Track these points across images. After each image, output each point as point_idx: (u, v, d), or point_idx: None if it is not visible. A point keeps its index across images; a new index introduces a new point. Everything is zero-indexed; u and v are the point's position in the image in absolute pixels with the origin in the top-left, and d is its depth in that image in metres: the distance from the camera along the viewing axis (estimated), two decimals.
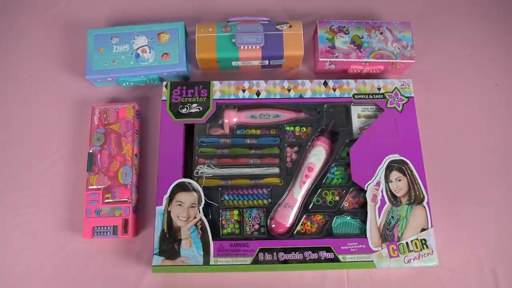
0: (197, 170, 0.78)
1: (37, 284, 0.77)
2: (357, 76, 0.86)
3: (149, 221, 0.79)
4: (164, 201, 0.74)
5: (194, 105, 0.79)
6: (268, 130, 0.81)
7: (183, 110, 0.79)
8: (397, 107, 0.80)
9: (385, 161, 0.76)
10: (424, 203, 0.75)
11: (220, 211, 0.77)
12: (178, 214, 0.73)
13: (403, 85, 0.81)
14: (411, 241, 0.73)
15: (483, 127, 0.86)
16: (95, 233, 0.75)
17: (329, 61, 0.83)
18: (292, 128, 0.81)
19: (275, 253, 0.72)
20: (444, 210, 0.80)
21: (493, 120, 0.87)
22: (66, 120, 0.85)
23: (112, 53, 0.83)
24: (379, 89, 0.81)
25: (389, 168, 0.76)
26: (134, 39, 0.84)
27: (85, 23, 0.90)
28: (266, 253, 0.72)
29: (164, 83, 0.81)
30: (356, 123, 0.81)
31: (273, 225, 0.76)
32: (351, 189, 0.78)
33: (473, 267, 0.78)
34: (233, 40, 0.81)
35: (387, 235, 0.73)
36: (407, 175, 0.76)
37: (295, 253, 0.72)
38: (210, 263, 0.71)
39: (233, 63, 0.85)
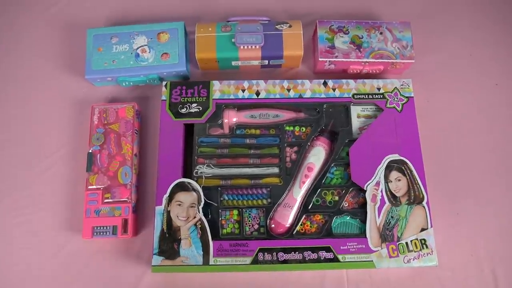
0: (196, 170, 0.78)
1: (37, 284, 0.77)
2: (357, 76, 0.86)
3: (149, 221, 0.79)
4: (164, 201, 0.74)
5: (194, 105, 0.79)
6: (267, 130, 0.81)
7: (183, 110, 0.79)
8: (396, 107, 0.80)
9: (385, 161, 0.76)
10: (424, 203, 0.75)
11: (220, 211, 0.77)
12: (178, 214, 0.73)
13: (402, 85, 0.81)
14: (411, 241, 0.73)
15: (483, 127, 0.86)
16: (95, 233, 0.75)
17: (329, 61, 0.83)
18: (291, 128, 0.81)
19: (275, 253, 0.72)
20: (444, 210, 0.80)
21: (493, 120, 0.87)
22: (65, 120, 0.85)
23: (111, 52, 0.83)
24: (378, 89, 0.81)
25: (389, 168, 0.76)
26: (134, 39, 0.84)
27: (84, 22, 0.90)
28: (266, 253, 0.72)
29: (164, 83, 0.81)
30: (355, 123, 0.81)
31: (273, 225, 0.76)
32: (350, 189, 0.78)
33: (473, 267, 0.78)
34: (232, 40, 0.81)
35: (387, 235, 0.73)
36: (407, 175, 0.76)
37: (294, 253, 0.72)
38: (210, 263, 0.71)
39: (233, 63, 0.85)
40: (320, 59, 0.82)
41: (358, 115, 0.82)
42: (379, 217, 0.74)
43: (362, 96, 0.81)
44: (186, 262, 0.72)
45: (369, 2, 0.94)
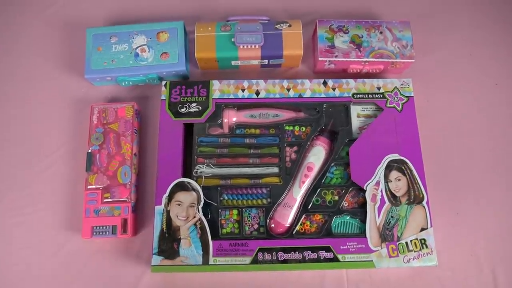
0: (196, 170, 0.78)
1: (36, 283, 0.77)
2: (357, 75, 0.86)
3: (148, 221, 0.79)
4: (163, 201, 0.74)
5: (194, 104, 0.79)
6: (267, 130, 0.81)
7: (182, 110, 0.79)
8: (396, 107, 0.80)
9: (385, 160, 0.76)
10: (424, 202, 0.75)
11: (219, 210, 0.76)
12: (177, 214, 0.73)
13: (402, 84, 0.81)
14: (411, 240, 0.73)
15: (483, 126, 0.86)
16: (94, 233, 0.75)
17: (329, 61, 0.83)
18: (291, 128, 0.81)
19: (275, 252, 0.72)
20: (444, 209, 0.80)
21: (493, 119, 0.87)
22: (65, 119, 0.85)
23: (111, 52, 0.83)
24: (378, 88, 0.81)
25: (389, 168, 0.76)
26: (133, 38, 0.84)
27: (84, 22, 0.90)
28: (266, 252, 0.72)
29: (163, 82, 0.81)
30: (355, 122, 0.81)
31: (273, 225, 0.76)
32: (350, 189, 0.78)
33: (473, 267, 0.78)
34: (232, 40, 0.81)
35: (387, 234, 0.73)
36: (407, 174, 0.76)
37: (294, 252, 0.72)
38: (209, 263, 0.71)
39: (233, 63, 0.85)
40: (320, 58, 0.82)
41: (358, 114, 0.81)
42: (379, 217, 0.74)
43: (362, 96, 0.80)
44: (186, 261, 0.71)
45: (369, 2, 0.94)
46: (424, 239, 0.73)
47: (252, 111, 0.80)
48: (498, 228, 0.80)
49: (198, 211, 0.74)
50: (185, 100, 0.79)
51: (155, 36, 0.84)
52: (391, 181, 0.76)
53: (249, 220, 0.77)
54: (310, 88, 0.81)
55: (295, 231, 0.76)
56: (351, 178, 0.76)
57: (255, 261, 0.72)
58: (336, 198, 0.78)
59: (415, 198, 0.75)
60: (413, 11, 0.93)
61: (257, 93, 0.81)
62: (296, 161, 0.78)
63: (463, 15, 0.93)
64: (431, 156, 0.81)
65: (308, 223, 0.77)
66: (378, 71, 0.85)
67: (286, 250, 0.72)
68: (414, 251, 0.72)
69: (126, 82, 0.85)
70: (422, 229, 0.73)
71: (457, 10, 0.94)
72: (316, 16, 0.89)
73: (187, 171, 0.78)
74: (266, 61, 0.85)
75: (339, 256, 0.72)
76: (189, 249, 0.72)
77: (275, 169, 0.78)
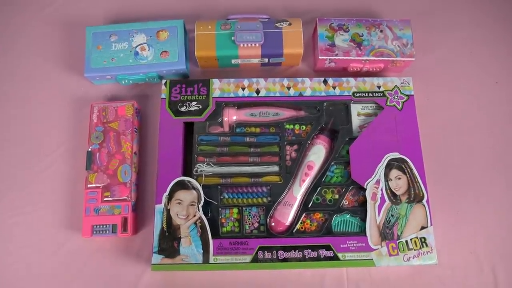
0: (196, 168, 0.78)
1: (36, 282, 0.77)
2: (357, 74, 0.86)
3: (149, 220, 0.79)
4: (164, 199, 0.74)
5: (194, 103, 0.79)
6: (267, 128, 0.81)
7: (183, 108, 0.79)
8: (397, 105, 0.80)
9: (385, 159, 0.76)
10: (424, 201, 0.75)
11: (220, 209, 0.76)
12: (178, 212, 0.73)
13: (403, 83, 0.81)
14: (411, 239, 0.73)
15: (483, 125, 0.86)
16: (94, 232, 0.75)
17: (329, 59, 0.83)
18: (291, 126, 0.81)
19: (275, 251, 0.72)
20: (444, 208, 0.80)
21: (493, 118, 0.87)
22: (65, 118, 0.85)
23: (111, 51, 0.83)
24: (379, 87, 0.81)
25: (389, 166, 0.76)
26: (133, 37, 0.83)
27: (83, 20, 0.90)
28: (266, 251, 0.72)
29: (163, 81, 0.81)
30: (356, 121, 0.81)
31: (273, 223, 0.76)
32: (350, 187, 0.78)
33: (473, 265, 0.78)
34: (232, 38, 0.81)
35: (387, 233, 0.73)
36: (407, 173, 0.76)
37: (294, 251, 0.72)
38: (210, 262, 0.71)
39: (233, 61, 0.85)
40: (320, 57, 0.82)
41: (358, 113, 0.81)
42: (379, 215, 0.74)
43: (362, 94, 0.80)
44: (186, 260, 0.71)
45: (369, 0, 0.93)
46: (424, 238, 0.73)
47: (252, 110, 0.80)
48: (498, 226, 0.80)
49: (198, 210, 0.74)
50: (185, 98, 0.79)
51: (155, 35, 0.83)
52: (391, 180, 0.76)
53: (249, 219, 0.77)
54: (311, 87, 0.81)
55: (295, 229, 0.76)
56: (351, 177, 0.76)
57: (255, 259, 0.72)
58: (336, 196, 0.78)
59: (415, 196, 0.75)
60: (413, 9, 0.93)
61: (257, 91, 0.80)
62: (296, 160, 0.78)
63: (463, 14, 0.93)
64: (431, 155, 0.81)
65: (308, 221, 0.77)
66: (378, 69, 0.85)
67: (286, 249, 0.72)
68: (414, 250, 0.72)
69: (126, 81, 0.84)
70: (422, 228, 0.74)
71: (457, 8, 0.94)
72: (316, 15, 0.89)
73: (187, 170, 0.78)
74: (266, 60, 0.84)
75: (339, 255, 0.72)
76: (189, 247, 0.72)
77: (276, 168, 0.78)
